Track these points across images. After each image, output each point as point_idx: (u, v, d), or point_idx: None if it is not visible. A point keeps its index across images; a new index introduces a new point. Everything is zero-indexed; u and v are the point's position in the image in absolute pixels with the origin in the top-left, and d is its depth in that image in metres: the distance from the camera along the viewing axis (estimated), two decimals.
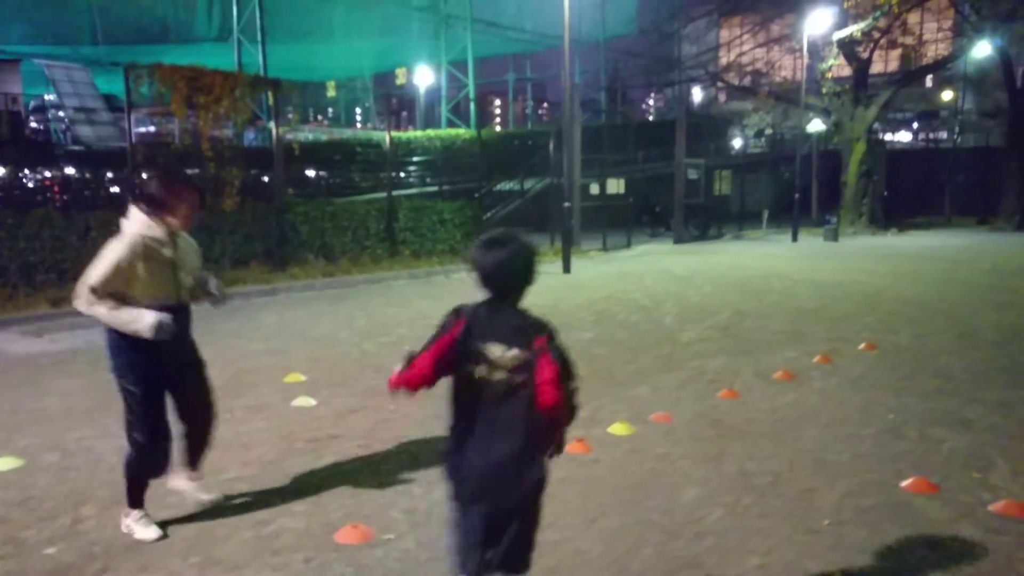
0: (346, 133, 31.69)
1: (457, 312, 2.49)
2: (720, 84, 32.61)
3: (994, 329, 8.62)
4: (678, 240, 21.55)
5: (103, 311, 3.42)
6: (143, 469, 3.66)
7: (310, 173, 26.47)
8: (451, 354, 2.40)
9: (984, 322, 9.04)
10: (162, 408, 3.68)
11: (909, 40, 28.42)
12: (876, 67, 28.94)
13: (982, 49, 26.01)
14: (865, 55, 26.39)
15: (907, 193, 29.28)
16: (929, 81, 41.45)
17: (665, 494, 4.10)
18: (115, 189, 20.95)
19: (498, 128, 72.74)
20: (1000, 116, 30.05)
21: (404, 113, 79.79)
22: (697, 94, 45.71)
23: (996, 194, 27.31)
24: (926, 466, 4.43)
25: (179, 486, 3.95)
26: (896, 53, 30.32)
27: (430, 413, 5.58)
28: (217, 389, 6.30)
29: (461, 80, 35.34)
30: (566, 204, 15.63)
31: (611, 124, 33.98)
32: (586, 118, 32.34)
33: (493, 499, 2.43)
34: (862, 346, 7.67)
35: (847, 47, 25.79)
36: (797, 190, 23.77)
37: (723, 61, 32.18)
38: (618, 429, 5.12)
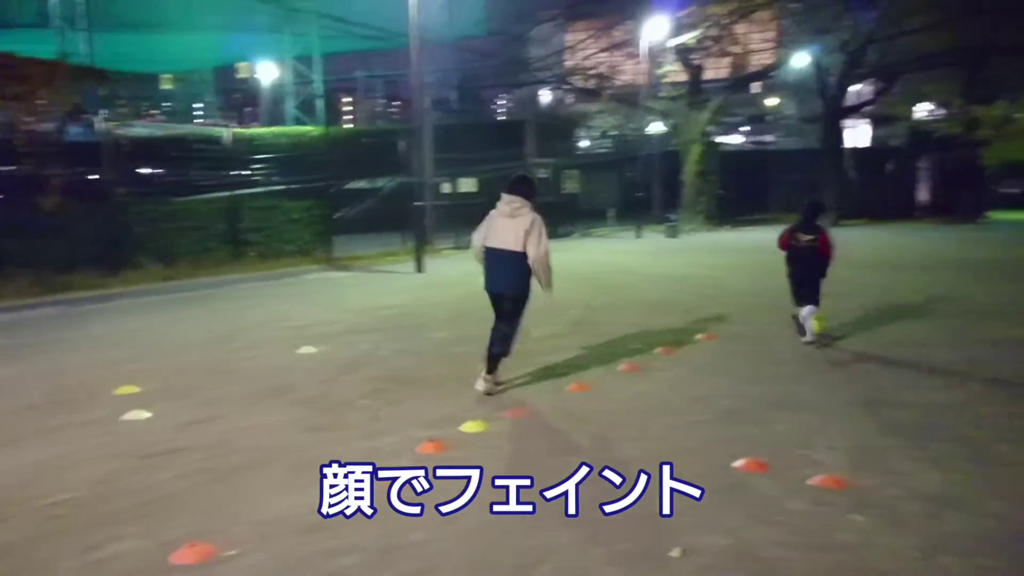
0: (184, 128, 30.03)
1: (788, 230, 7.66)
2: (567, 86, 33.52)
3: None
4: None
5: (548, 259, 5.91)
6: (503, 355, 5.96)
7: (145, 171, 24.83)
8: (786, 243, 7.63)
9: None
10: None
11: (737, 49, 30.41)
12: (709, 73, 30.71)
13: (800, 59, 28.24)
14: (698, 62, 27.97)
15: (739, 192, 31.26)
16: (757, 88, 44.49)
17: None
18: None
19: (349, 126, 71.28)
20: (817, 121, 32.71)
21: (248, 109, 76.64)
22: (546, 95, 46.77)
23: (815, 192, 29.71)
24: (759, 447, 4.74)
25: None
26: (726, 61, 32.34)
27: (289, 419, 5.38)
28: (39, 406, 5.82)
29: (308, 76, 34.37)
30: (418, 203, 15.54)
31: (464, 123, 34.16)
32: (438, 117, 32.30)
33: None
34: (701, 336, 8.12)
35: (682, 54, 27.24)
36: (640, 189, 24.83)
37: (569, 64, 33.08)
38: (471, 427, 5.14)
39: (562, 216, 24.92)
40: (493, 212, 6.02)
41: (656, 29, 25.51)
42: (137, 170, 23.57)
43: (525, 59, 33.99)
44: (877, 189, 30.68)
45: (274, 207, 15.14)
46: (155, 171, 24.41)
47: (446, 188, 21.72)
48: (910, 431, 5.04)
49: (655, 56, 27.80)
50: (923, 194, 31.89)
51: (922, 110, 34.45)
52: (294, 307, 10.51)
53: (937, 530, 3.62)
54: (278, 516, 3.81)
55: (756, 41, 33.23)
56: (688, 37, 26.22)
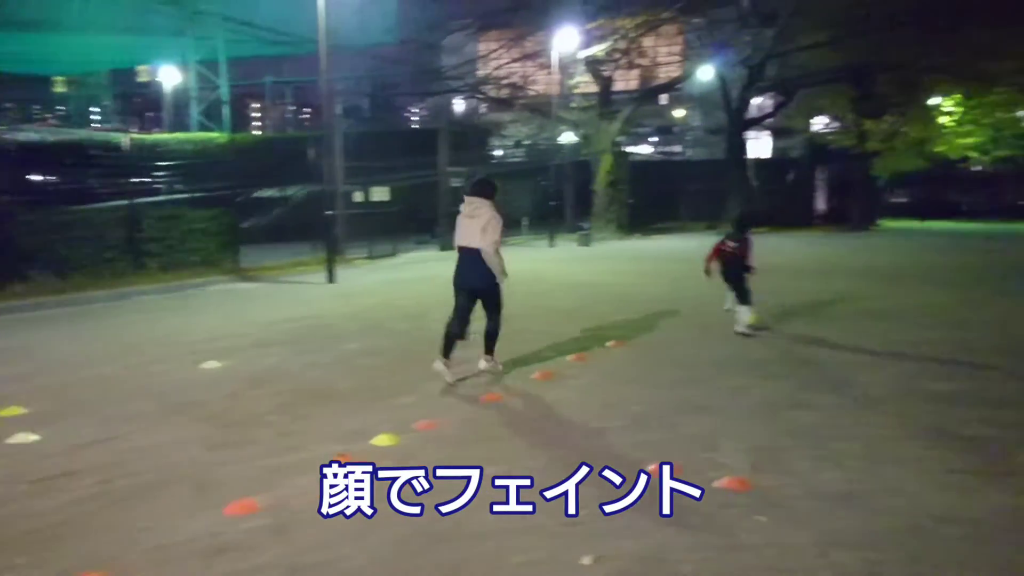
0: (79, 133, 28.63)
1: (721, 239, 8.85)
2: (480, 95, 33.67)
3: (727, 323, 9.64)
4: (444, 247, 21.87)
5: (498, 254, 6.65)
6: (493, 334, 6.82)
7: (36, 178, 23.60)
8: (718, 250, 8.75)
9: (719, 316, 10.07)
10: None
11: (645, 62, 31.28)
12: (619, 85, 31.48)
13: (706, 72, 29.23)
14: (608, 74, 28.59)
15: (649, 200, 32.08)
16: (665, 99, 45.79)
17: (432, 501, 4.11)
18: None
19: (258, 132, 69.52)
20: (722, 132, 33.93)
21: (150, 114, 73.85)
22: (460, 104, 46.87)
23: (722, 201, 30.79)
24: (666, 451, 4.84)
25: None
26: (635, 73, 33.23)
27: (191, 437, 5.18)
28: None
29: (214, 81, 33.35)
30: (329, 212, 15.27)
31: (376, 131, 33.83)
32: (349, 125, 31.89)
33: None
34: (612, 343, 8.25)
35: (592, 66, 27.79)
36: (553, 198, 25.11)
37: (482, 73, 33.26)
38: (382, 440, 5.06)
39: None
40: (459, 215, 6.74)
41: (566, 41, 25.92)
42: (27, 177, 22.35)
43: (438, 68, 33.98)
44: (778, 198, 32.01)
45: (177, 216, 14.56)
46: (47, 178, 23.21)
47: (358, 197, 21.42)
48: (811, 431, 5.26)
49: (566, 67, 28.25)
50: (820, 203, 33.44)
51: (819, 123, 36.23)
52: (198, 320, 10.15)
53: (831, 527, 3.78)
54: (179, 540, 3.66)
55: (663, 54, 34.23)
56: (598, 49, 26.77)
